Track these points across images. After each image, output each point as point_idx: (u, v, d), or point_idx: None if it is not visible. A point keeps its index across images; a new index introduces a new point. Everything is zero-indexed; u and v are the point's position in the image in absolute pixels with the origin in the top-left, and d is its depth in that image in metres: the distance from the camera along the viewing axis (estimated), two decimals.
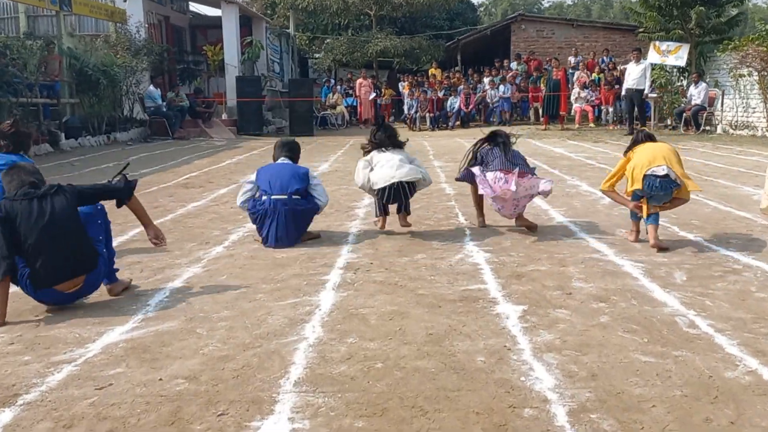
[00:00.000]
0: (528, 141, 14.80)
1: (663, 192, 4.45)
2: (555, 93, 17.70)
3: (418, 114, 19.29)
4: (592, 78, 19.43)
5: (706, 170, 9.05)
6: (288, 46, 24.77)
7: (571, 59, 20.59)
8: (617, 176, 4.82)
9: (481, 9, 43.99)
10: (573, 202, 6.66)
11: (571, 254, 4.46)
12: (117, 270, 3.75)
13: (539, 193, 4.95)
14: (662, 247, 4.48)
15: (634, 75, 15.55)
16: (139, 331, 3.07)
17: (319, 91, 21.82)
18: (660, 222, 4.70)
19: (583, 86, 18.62)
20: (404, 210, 5.16)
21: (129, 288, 3.75)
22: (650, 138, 4.87)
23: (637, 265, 4.14)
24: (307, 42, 28.75)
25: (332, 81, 22.55)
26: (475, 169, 5.08)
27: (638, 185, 4.48)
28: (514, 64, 20.91)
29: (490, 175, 4.93)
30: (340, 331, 3.03)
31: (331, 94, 21.05)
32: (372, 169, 4.97)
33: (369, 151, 5.16)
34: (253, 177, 5.02)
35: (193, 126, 16.74)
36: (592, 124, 18.13)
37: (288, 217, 4.70)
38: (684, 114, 16.81)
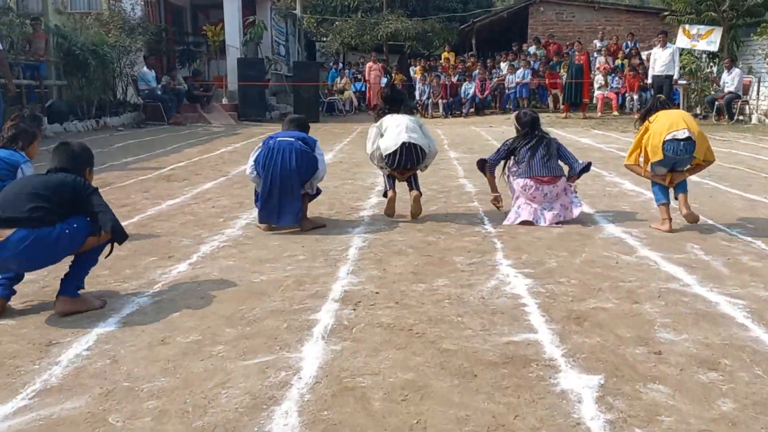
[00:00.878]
0: (549, 130, 13.68)
1: (688, 154, 4.35)
2: (577, 80, 16.52)
3: (430, 100, 18.14)
4: (616, 64, 18.22)
5: (759, 165, 7.93)
6: (294, 28, 23.64)
7: (596, 43, 19.33)
8: (640, 148, 4.59)
9: None
10: (619, 205, 5.57)
11: (640, 282, 3.39)
12: (80, 287, 3.05)
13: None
14: (694, 218, 4.46)
15: (661, 60, 14.34)
16: (21, 418, 2.04)
17: (326, 75, 20.72)
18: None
19: (607, 73, 17.42)
20: (415, 187, 4.99)
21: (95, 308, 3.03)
22: (666, 105, 4.74)
23: (737, 302, 3.06)
24: (315, 25, 27.58)
25: (340, 65, 21.41)
26: (513, 206, 4.95)
27: (658, 156, 4.36)
28: (532, 48, 19.68)
29: (519, 182, 4.84)
30: (325, 425, 1.99)
31: (338, 79, 19.92)
32: (382, 136, 4.89)
33: (380, 116, 5.11)
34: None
35: (191, 111, 15.69)
36: (615, 113, 16.91)
37: (291, 154, 4.48)
38: (716, 102, 15.61)
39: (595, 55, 19.02)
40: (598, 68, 18.01)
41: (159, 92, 14.66)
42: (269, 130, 14.38)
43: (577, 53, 16.94)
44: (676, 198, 4.53)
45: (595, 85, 17.40)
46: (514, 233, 4.52)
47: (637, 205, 5.53)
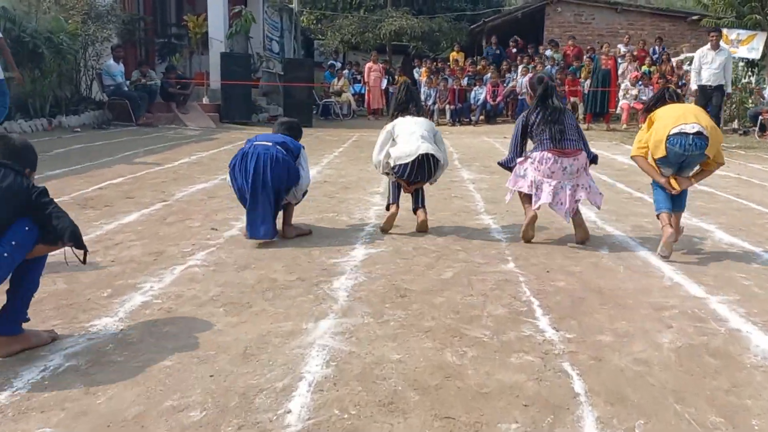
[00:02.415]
0: None
1: (698, 151, 3.85)
2: (603, 88, 14.71)
3: (436, 106, 16.30)
4: (643, 71, 16.41)
5: None
6: (291, 23, 21.80)
7: (621, 47, 17.55)
8: (643, 143, 4.10)
9: None
10: (708, 273, 3.75)
11: None
12: (25, 319, 2.53)
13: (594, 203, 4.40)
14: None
15: (713, 67, 11.22)
16: None
17: (323, 75, 18.91)
18: None
19: (636, 81, 15.61)
20: (421, 204, 4.67)
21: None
22: (678, 97, 4.31)
23: None
24: (314, 22, 25.78)
25: (338, 64, 19.56)
26: (519, 168, 4.42)
27: (661, 152, 3.90)
28: (549, 52, 17.87)
29: (534, 155, 4.31)
30: None
31: (336, 80, 18.08)
32: (393, 141, 4.54)
33: (394, 116, 4.73)
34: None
35: (166, 111, 13.85)
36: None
37: (266, 161, 4.08)
38: (761, 117, 13.79)
39: (619, 60, 17.25)
40: (623, 74, 16.26)
41: (126, 88, 12.81)
42: (253, 134, 12.57)
43: (603, 57, 15.14)
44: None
45: (621, 94, 15.60)
46: (554, 285, 2.69)
47: (727, 266, 3.71)
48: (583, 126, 15.20)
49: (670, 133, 3.84)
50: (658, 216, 4.08)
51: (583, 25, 20.37)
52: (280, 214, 4.34)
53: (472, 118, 16.46)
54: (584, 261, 3.94)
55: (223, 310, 2.96)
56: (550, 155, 4.21)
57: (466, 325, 2.80)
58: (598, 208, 4.47)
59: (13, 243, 2.32)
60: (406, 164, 4.41)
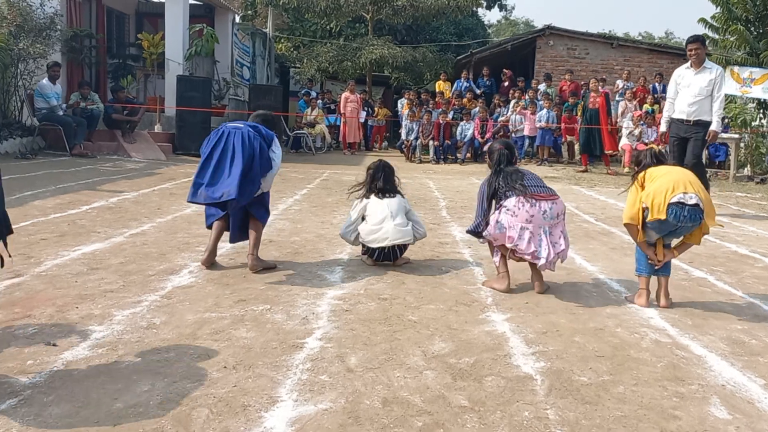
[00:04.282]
0: (570, 188, 10.26)
1: (692, 223, 3.74)
2: (594, 125, 13.23)
3: (419, 141, 14.69)
4: (645, 110, 15.01)
5: None
6: (265, 49, 20.23)
7: (619, 83, 16.20)
8: (638, 206, 3.82)
9: (491, 29, 39.67)
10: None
11: None
12: None
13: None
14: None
15: (692, 92, 7.33)
16: None
17: (298, 105, 17.29)
18: None
19: (639, 120, 14.17)
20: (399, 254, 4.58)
21: None
22: (660, 159, 4.00)
23: None
24: (292, 50, 24.28)
25: (312, 93, 17.94)
26: (492, 218, 4.02)
27: (662, 214, 3.67)
28: (543, 86, 16.44)
29: (508, 202, 3.95)
30: None
31: (309, 109, 16.44)
32: (364, 219, 4.53)
33: (368, 195, 4.61)
34: None
35: (110, 139, 12.07)
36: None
37: (239, 138, 4.04)
38: None
39: (618, 98, 15.88)
40: (623, 113, 14.85)
41: (62, 112, 11.03)
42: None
43: (592, 94, 13.65)
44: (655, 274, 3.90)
45: (624, 133, 14.14)
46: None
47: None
48: (580, 168, 13.78)
49: (671, 201, 3.67)
50: (638, 276, 3.99)
51: (576, 60, 19.02)
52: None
53: (458, 156, 14.87)
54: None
55: None
56: (525, 200, 3.91)
57: None
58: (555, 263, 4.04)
59: None
60: (374, 249, 4.45)
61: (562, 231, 4.00)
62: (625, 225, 3.98)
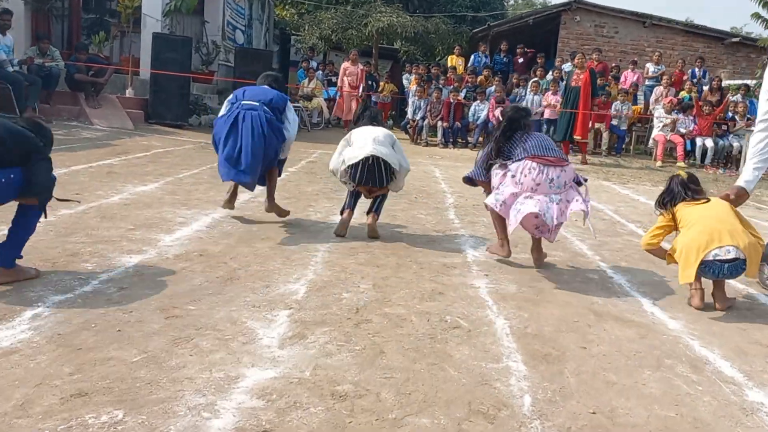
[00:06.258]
0: (600, 184, 8.67)
1: (733, 276, 3.36)
2: (573, 109, 11.39)
3: (426, 121, 13.06)
4: (682, 96, 13.36)
5: None
6: (263, 12, 18.54)
7: (649, 66, 14.53)
8: (663, 233, 3.66)
9: (510, 3, 37.55)
10: None
11: None
12: (19, 257, 2.91)
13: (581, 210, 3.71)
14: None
15: None
16: None
17: (297, 75, 15.68)
18: None
19: (672, 108, 12.53)
20: (375, 211, 4.50)
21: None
22: (693, 190, 3.59)
23: None
24: (296, 16, 22.52)
25: (311, 63, 16.28)
26: (494, 171, 3.85)
27: (690, 279, 3.36)
28: (567, 66, 14.75)
29: (513, 166, 3.70)
30: None
31: (306, 81, 14.81)
32: (349, 146, 4.43)
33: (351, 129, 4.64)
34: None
35: (72, 103, 10.50)
36: (681, 163, 11.94)
37: (255, 122, 4.13)
38: None
39: (650, 82, 14.25)
40: (657, 100, 13.22)
41: (10, 69, 9.45)
42: (177, 144, 9.25)
43: (576, 71, 11.69)
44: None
45: (656, 123, 12.50)
46: None
47: None
48: (577, 158, 12.17)
49: (704, 260, 3.30)
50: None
51: (604, 39, 17.28)
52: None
53: (470, 139, 13.25)
54: None
55: None
56: (534, 164, 3.62)
57: None
58: (586, 215, 3.73)
59: (12, 176, 2.73)
60: (356, 165, 4.28)
61: (570, 198, 3.69)
62: (645, 249, 3.80)
